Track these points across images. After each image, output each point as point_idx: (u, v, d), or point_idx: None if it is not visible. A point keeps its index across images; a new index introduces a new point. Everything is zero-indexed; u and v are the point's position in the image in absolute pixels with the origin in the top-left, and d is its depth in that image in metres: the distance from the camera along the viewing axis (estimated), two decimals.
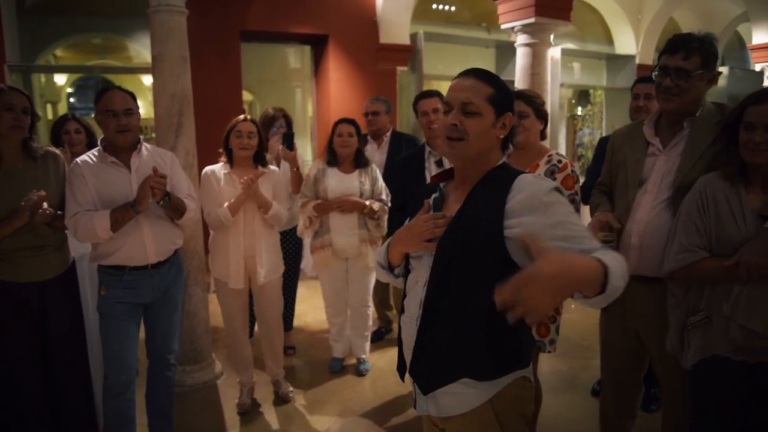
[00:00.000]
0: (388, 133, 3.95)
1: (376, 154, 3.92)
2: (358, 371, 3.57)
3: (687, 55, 1.94)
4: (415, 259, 1.54)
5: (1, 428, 2.39)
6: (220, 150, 2.92)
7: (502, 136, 1.47)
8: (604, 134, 8.52)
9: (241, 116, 2.90)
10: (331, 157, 3.33)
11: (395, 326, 4.12)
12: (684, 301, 1.91)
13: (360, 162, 3.35)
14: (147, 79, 9.32)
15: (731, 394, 1.83)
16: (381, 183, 3.40)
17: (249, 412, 3.09)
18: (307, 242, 3.66)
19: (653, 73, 2.05)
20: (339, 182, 3.28)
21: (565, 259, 1.09)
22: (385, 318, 4.21)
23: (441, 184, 1.59)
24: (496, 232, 1.34)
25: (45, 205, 2.19)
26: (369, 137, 3.98)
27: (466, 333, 1.42)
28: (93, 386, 2.62)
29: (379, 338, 4.09)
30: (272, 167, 3.02)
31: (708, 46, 1.95)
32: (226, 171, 2.90)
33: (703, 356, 1.84)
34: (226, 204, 2.80)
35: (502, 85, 1.45)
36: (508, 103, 1.45)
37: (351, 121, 3.33)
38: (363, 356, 3.61)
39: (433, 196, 1.57)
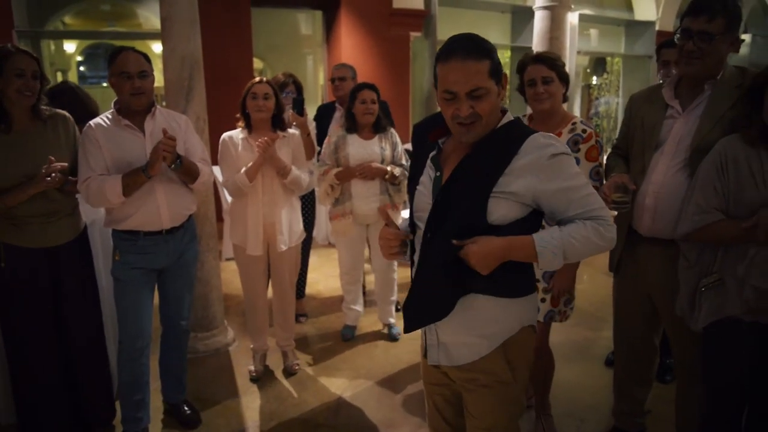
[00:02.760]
0: None
1: None
2: (391, 336, 3.56)
3: (710, 18, 1.88)
4: (419, 220, 1.54)
5: (16, 394, 2.42)
6: (237, 115, 2.87)
7: (502, 98, 1.47)
8: (620, 104, 8.37)
9: (257, 78, 2.84)
10: (351, 123, 3.27)
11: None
12: (697, 263, 1.90)
13: (379, 127, 3.30)
14: (157, 47, 9.23)
15: (743, 355, 1.84)
16: (401, 148, 3.36)
17: (261, 378, 3.11)
18: (321, 209, 3.63)
19: (675, 36, 2.01)
20: (360, 149, 3.24)
21: (488, 246, 1.38)
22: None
23: (440, 141, 1.57)
24: (489, 187, 1.39)
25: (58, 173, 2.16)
26: (337, 104, 3.89)
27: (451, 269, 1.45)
28: (107, 350, 2.63)
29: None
30: (291, 131, 2.96)
31: (732, 7, 1.90)
32: (243, 136, 2.84)
33: (714, 318, 1.85)
34: (243, 169, 2.76)
35: (492, 49, 1.42)
36: (500, 65, 1.43)
37: (372, 87, 3.25)
38: (391, 320, 3.61)
39: (431, 154, 1.55)
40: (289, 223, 2.95)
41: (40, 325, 2.33)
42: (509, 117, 1.48)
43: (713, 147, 1.85)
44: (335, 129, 3.37)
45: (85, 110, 2.69)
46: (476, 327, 1.49)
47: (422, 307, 1.53)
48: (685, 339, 2.10)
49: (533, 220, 1.47)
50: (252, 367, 3.15)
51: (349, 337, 3.60)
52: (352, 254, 3.45)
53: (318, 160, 4.01)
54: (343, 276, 3.57)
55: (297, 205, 3.06)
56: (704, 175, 1.84)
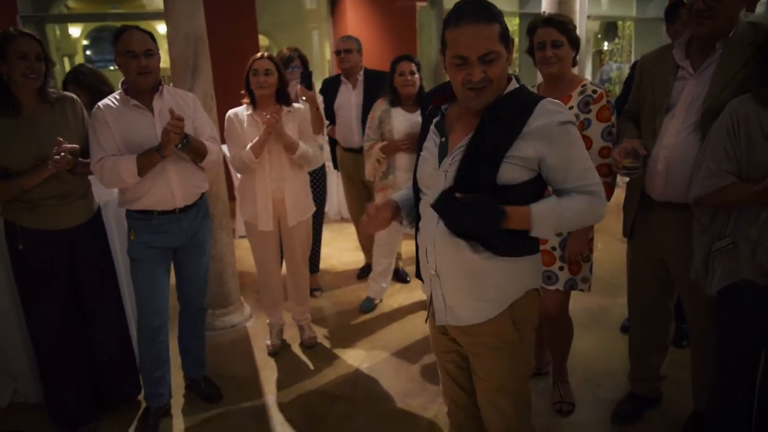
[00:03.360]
0: (361, 72, 3.80)
1: (352, 94, 3.76)
2: None
3: None
4: (429, 188, 1.55)
5: (42, 374, 2.48)
6: (242, 92, 2.85)
7: (510, 63, 1.49)
8: None
9: (258, 54, 2.81)
10: (394, 96, 3.25)
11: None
12: (710, 227, 1.88)
13: (422, 99, 3.27)
14: (162, 28, 9.17)
15: (756, 319, 1.82)
16: None
17: (279, 352, 3.15)
18: (332, 184, 3.59)
19: None
20: (405, 122, 3.22)
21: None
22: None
23: (443, 107, 1.59)
24: (504, 151, 1.41)
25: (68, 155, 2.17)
26: (342, 77, 3.84)
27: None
28: (129, 329, 2.69)
29: (366, 274, 4.03)
30: (297, 105, 2.94)
31: None
32: (248, 113, 2.83)
33: (728, 282, 1.83)
34: (249, 146, 2.76)
35: (500, 13, 1.43)
36: (507, 29, 1.44)
37: (410, 58, 3.22)
38: None
39: (435, 120, 1.57)
40: (298, 197, 2.94)
41: (59, 305, 2.37)
42: (515, 84, 1.49)
43: (724, 108, 1.80)
44: (379, 103, 3.35)
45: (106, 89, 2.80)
46: (482, 291, 1.52)
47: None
48: (700, 304, 2.09)
49: (539, 181, 1.49)
50: (269, 342, 3.19)
51: (368, 309, 3.61)
52: (391, 227, 3.45)
53: (326, 134, 4.00)
54: (377, 248, 3.57)
55: (305, 179, 3.05)
56: (715, 138, 1.80)
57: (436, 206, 1.46)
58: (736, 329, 1.87)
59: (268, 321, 3.22)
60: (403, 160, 3.24)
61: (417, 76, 3.19)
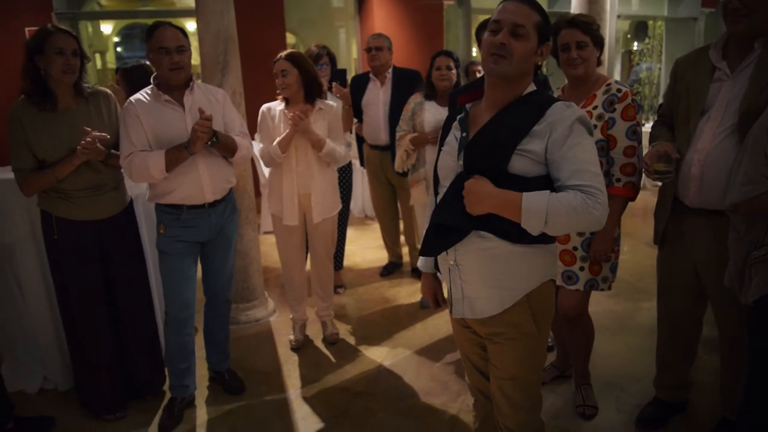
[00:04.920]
0: (390, 70, 3.80)
1: (381, 92, 3.76)
2: None
3: None
4: (448, 180, 1.60)
5: (73, 362, 2.54)
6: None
7: (538, 63, 1.55)
8: (663, 70, 8.06)
9: (278, 55, 2.83)
10: (430, 90, 3.29)
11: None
12: (747, 235, 1.81)
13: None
14: (191, 25, 9.31)
15: None
16: None
17: (302, 347, 3.18)
18: (357, 182, 3.61)
19: None
20: (436, 115, 3.24)
21: (483, 188, 1.44)
22: (397, 254, 4.29)
23: (467, 105, 1.65)
24: (514, 143, 1.46)
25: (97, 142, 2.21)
26: (371, 75, 3.83)
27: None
28: (156, 320, 2.74)
29: (390, 272, 4.21)
30: (330, 102, 2.95)
31: None
32: (281, 108, 2.87)
33: (765, 291, 1.76)
34: (276, 140, 2.78)
35: (546, 16, 1.53)
36: (548, 34, 1.54)
37: (449, 53, 3.26)
38: None
39: (458, 116, 1.63)
40: (325, 194, 2.96)
41: (91, 295, 2.42)
42: (533, 87, 1.56)
43: (764, 110, 1.74)
44: (415, 96, 3.38)
45: None
46: (499, 279, 1.54)
47: (439, 233, 1.60)
48: (731, 311, 2.04)
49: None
50: (292, 337, 3.21)
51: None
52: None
53: (353, 132, 4.02)
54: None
55: (333, 176, 3.06)
56: (754, 141, 1.73)
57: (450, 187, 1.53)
58: None
59: (291, 316, 3.24)
60: (431, 153, 3.24)
61: (454, 71, 3.21)
